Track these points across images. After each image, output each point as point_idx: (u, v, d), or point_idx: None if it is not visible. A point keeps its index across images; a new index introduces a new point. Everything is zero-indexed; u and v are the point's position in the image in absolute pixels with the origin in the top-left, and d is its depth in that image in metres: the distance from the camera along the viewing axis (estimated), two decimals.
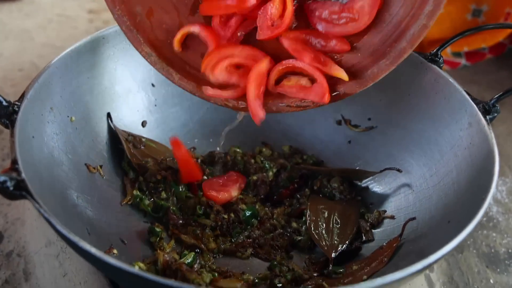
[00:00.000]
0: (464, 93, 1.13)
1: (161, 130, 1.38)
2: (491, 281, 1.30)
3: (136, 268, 1.01)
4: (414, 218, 1.11)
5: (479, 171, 1.01)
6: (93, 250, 0.77)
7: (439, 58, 1.21)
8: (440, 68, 1.20)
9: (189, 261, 1.06)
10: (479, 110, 1.08)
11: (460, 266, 1.32)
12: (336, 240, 1.13)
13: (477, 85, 1.95)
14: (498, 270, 1.33)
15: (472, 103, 1.10)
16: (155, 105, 1.36)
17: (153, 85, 1.36)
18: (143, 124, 1.35)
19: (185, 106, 1.40)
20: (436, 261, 0.82)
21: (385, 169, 1.25)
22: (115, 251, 1.05)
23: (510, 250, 1.38)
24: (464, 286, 1.27)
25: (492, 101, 1.09)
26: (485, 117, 1.07)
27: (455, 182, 1.07)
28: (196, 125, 1.42)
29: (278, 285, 1.03)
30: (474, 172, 1.02)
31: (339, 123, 1.38)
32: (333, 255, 1.10)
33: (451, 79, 1.16)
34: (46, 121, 1.08)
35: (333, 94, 1.07)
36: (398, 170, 1.23)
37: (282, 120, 1.41)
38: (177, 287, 0.73)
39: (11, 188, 0.84)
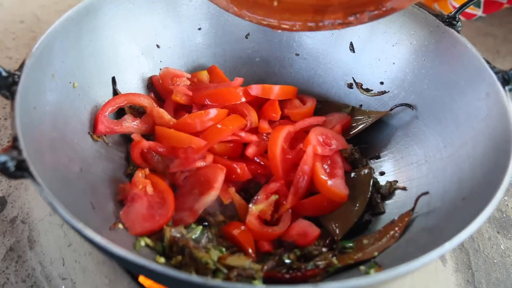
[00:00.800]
0: (483, 60, 1.07)
1: None
2: (502, 247, 1.29)
3: (142, 244, 1.00)
4: (427, 193, 1.08)
5: (496, 146, 0.97)
6: (98, 238, 0.75)
7: (457, 22, 1.15)
8: (458, 32, 1.14)
9: (196, 235, 1.04)
10: (498, 79, 1.03)
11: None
12: (344, 220, 1.11)
13: (492, 38, 1.89)
14: (509, 235, 1.32)
15: (491, 71, 1.05)
16: (160, 69, 1.32)
17: (158, 46, 1.31)
18: (149, 86, 1.32)
19: (190, 68, 1.37)
20: (450, 249, 0.80)
21: (396, 106, 1.23)
22: (120, 225, 1.03)
23: None
24: (474, 252, 1.26)
25: (511, 71, 1.03)
26: (504, 87, 1.02)
27: (470, 156, 1.03)
28: None
29: (286, 261, 1.01)
30: (491, 147, 0.98)
31: (350, 86, 1.34)
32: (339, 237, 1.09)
33: (469, 45, 1.10)
34: (47, 90, 1.04)
35: (382, 9, 1.03)
36: (410, 107, 1.20)
37: (294, 78, 1.37)
38: (181, 278, 0.71)
39: (12, 169, 0.81)
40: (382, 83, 1.28)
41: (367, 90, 1.31)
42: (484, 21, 1.94)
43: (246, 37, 1.39)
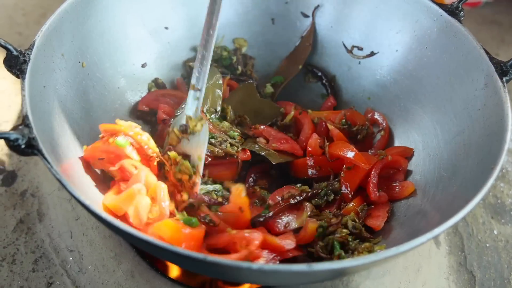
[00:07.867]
0: (483, 51, 1.09)
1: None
2: (495, 232, 1.32)
3: None
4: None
5: (490, 136, 1.00)
6: (104, 214, 0.79)
7: (460, 11, 1.17)
8: (460, 22, 1.16)
9: None
10: (496, 70, 1.05)
11: (466, 217, 1.33)
12: None
13: (497, 26, 1.89)
14: (503, 221, 1.35)
15: (490, 62, 1.07)
16: (169, 51, 1.35)
17: (166, 28, 1.33)
18: (143, 65, 1.32)
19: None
20: (440, 233, 0.83)
21: None
22: None
23: None
24: (468, 236, 1.30)
25: (510, 62, 1.05)
26: (501, 78, 1.04)
27: (466, 144, 1.06)
28: None
29: None
30: (486, 136, 1.02)
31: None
32: None
33: (470, 36, 1.12)
34: (57, 69, 1.07)
35: None
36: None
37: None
38: (184, 254, 0.75)
39: (23, 146, 0.85)
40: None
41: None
42: (490, 8, 1.94)
43: (252, 19, 1.41)
